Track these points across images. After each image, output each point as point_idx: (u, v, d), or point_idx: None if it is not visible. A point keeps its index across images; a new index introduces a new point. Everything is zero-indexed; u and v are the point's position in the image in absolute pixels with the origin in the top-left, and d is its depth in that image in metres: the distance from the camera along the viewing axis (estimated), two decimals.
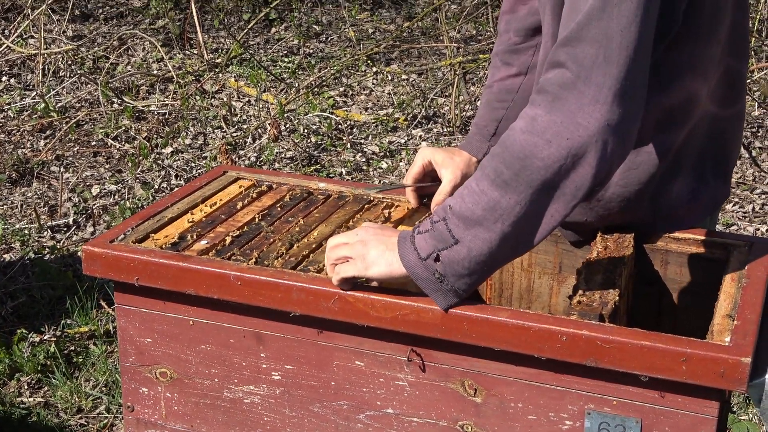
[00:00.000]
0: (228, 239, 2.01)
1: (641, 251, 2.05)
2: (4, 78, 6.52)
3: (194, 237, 2.02)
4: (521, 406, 1.77)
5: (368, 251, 1.77)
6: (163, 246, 1.98)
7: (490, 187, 1.66)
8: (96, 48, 6.92)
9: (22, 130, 5.80)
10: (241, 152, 5.51)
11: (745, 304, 1.76)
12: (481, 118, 2.24)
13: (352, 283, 1.78)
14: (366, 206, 2.20)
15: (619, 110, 1.61)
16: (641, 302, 2.08)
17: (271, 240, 2.02)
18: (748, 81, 5.98)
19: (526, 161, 1.63)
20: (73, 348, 3.80)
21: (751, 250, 1.97)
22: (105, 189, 5.14)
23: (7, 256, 4.50)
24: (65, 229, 4.77)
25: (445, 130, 5.73)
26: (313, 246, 2.00)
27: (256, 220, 2.12)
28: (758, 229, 4.69)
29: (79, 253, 4.51)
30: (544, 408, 1.75)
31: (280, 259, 1.94)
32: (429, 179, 2.16)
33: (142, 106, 6.05)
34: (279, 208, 2.19)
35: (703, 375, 1.60)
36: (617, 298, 1.79)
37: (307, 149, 5.52)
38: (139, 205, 4.91)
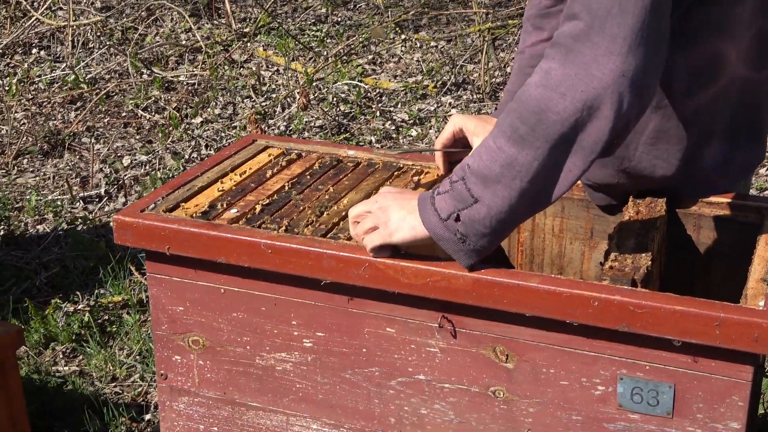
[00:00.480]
0: (258, 207, 2.01)
1: (674, 216, 2.03)
2: (34, 50, 6.54)
3: (224, 205, 2.02)
4: (553, 372, 1.76)
5: (390, 217, 1.76)
6: (194, 215, 1.98)
7: (507, 143, 1.65)
8: (124, 19, 6.92)
9: (52, 101, 5.83)
10: (271, 121, 5.51)
11: None
12: (513, 84, 2.22)
13: (390, 250, 1.78)
14: (396, 173, 2.20)
15: (634, 61, 1.59)
16: (673, 267, 2.07)
17: (301, 208, 2.02)
18: None
19: (542, 116, 1.61)
20: (106, 317, 3.83)
21: None
22: (136, 159, 5.16)
23: (40, 227, 4.53)
24: (97, 199, 4.80)
25: (475, 97, 5.70)
26: (343, 214, 1.99)
27: (286, 188, 2.12)
28: None
29: (111, 224, 4.53)
30: (576, 373, 1.75)
31: (310, 226, 1.93)
32: (460, 146, 2.14)
33: (172, 77, 6.05)
34: (308, 176, 2.18)
35: (737, 339, 1.59)
36: (649, 262, 1.78)
37: (337, 118, 5.51)
38: (170, 175, 4.93)
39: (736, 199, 2.01)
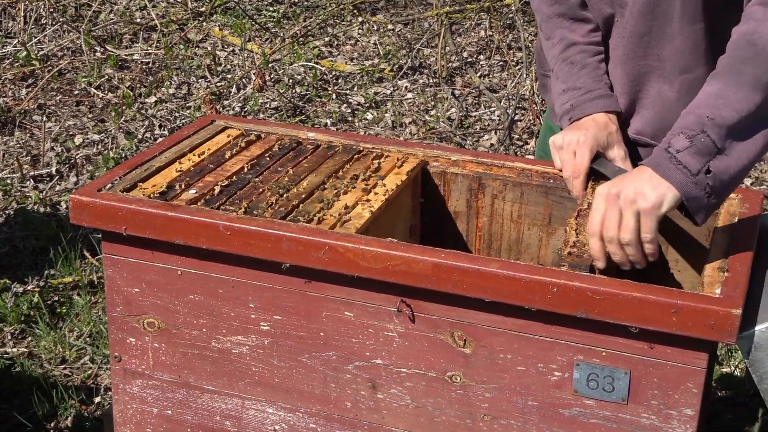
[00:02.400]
0: (217, 189, 2.01)
1: None
2: None
3: (183, 186, 2.01)
4: (510, 357, 1.77)
5: (643, 191, 1.71)
6: (152, 195, 1.97)
7: (752, 92, 1.65)
8: None
9: (3, 78, 5.74)
10: (226, 102, 5.48)
11: (736, 256, 1.77)
12: (586, 79, 2.15)
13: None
14: (355, 156, 2.19)
15: None
16: None
17: (261, 190, 2.02)
18: None
19: None
20: (56, 298, 3.79)
21: (741, 203, 1.98)
22: (88, 139, 5.11)
23: None
24: (48, 179, 4.75)
25: (431, 81, 5.70)
26: (303, 196, 1.99)
27: (245, 169, 2.11)
28: (743, 184, 4.71)
29: (63, 204, 4.49)
30: (533, 359, 1.76)
31: (269, 209, 1.93)
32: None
33: (126, 55, 5.99)
34: (268, 158, 2.18)
35: (694, 326, 1.61)
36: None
37: (293, 100, 5.49)
38: (123, 155, 4.88)
39: None
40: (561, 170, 2.07)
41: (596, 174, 2.04)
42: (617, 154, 2.07)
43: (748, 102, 1.64)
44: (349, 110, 5.44)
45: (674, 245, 2.07)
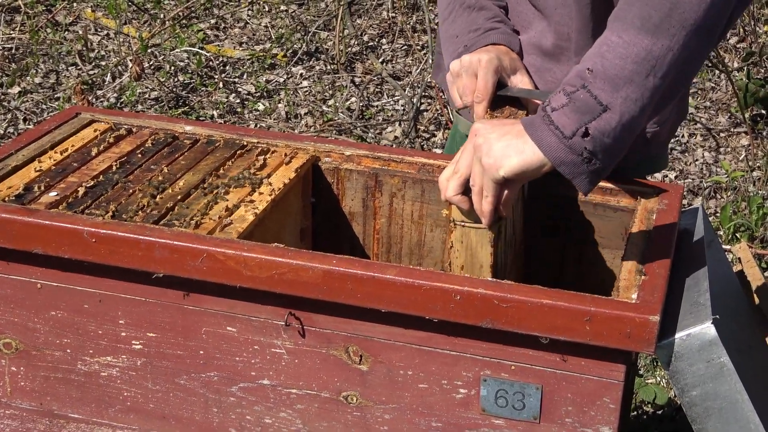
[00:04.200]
0: (81, 190, 1.97)
1: (541, 199, 2.06)
2: None
3: (42, 188, 1.97)
4: (411, 374, 1.77)
5: (492, 146, 1.66)
6: (6, 198, 1.93)
7: (638, 35, 1.60)
8: None
9: None
10: (99, 92, 5.41)
11: (654, 257, 1.79)
12: (482, 20, 2.10)
13: (499, 195, 1.71)
14: (239, 152, 2.17)
15: None
16: (544, 254, 2.10)
17: (131, 191, 1.99)
18: None
19: None
20: None
21: (660, 198, 2.00)
22: None
23: None
24: None
25: (329, 67, 5.70)
26: (179, 197, 1.97)
27: (114, 168, 2.08)
28: (666, 176, 4.79)
29: None
30: (436, 375, 1.76)
31: (140, 212, 1.90)
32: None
33: None
34: (139, 155, 2.15)
35: (608, 336, 1.62)
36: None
37: (174, 89, 5.44)
38: None
39: (609, 182, 2.05)
40: (461, 104, 2.02)
41: (499, 102, 2.01)
42: (521, 80, 2.03)
43: (635, 46, 1.60)
44: (238, 100, 5.40)
45: (589, 244, 2.09)
